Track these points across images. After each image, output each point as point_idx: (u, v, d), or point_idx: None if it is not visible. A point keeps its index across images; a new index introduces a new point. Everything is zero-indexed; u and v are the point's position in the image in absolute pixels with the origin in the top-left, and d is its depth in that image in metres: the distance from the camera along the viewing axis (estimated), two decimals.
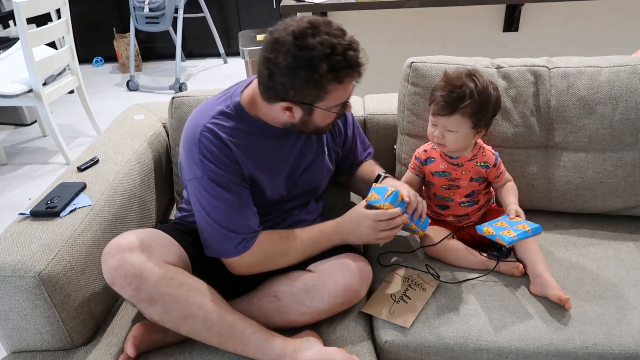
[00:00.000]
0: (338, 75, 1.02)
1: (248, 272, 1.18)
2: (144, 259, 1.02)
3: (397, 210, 1.14)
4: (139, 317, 1.22)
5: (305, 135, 1.25)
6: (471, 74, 1.27)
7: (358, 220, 1.17)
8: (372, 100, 1.74)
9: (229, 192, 1.12)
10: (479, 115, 1.26)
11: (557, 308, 1.19)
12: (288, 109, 1.09)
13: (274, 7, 4.30)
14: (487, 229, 1.28)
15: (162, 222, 1.36)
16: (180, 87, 3.89)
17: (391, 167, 1.61)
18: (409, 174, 1.44)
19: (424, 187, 1.45)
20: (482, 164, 1.36)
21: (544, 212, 1.45)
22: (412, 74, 1.49)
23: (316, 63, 0.98)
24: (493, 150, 1.38)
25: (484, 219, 1.41)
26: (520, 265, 1.28)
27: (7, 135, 3.39)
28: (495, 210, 1.43)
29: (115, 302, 1.29)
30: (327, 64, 0.99)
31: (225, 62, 4.57)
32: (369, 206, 1.18)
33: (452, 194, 1.38)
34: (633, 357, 1.10)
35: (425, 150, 1.41)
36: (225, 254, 1.15)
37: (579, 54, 1.51)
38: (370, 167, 1.43)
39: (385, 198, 1.15)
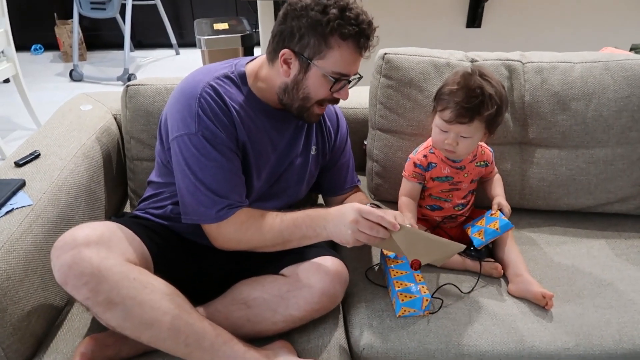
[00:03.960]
0: (343, 30, 1.00)
1: (226, 245, 1.09)
2: (103, 255, 0.90)
3: (391, 220, 0.98)
4: (87, 331, 1.09)
5: (295, 125, 1.20)
6: (482, 74, 1.17)
7: (345, 211, 1.02)
8: None
9: (221, 155, 1.05)
10: (496, 119, 1.18)
11: (537, 309, 1.15)
12: (287, 62, 1.06)
13: None
14: (468, 229, 1.24)
15: (117, 216, 1.23)
16: (129, 78, 3.67)
17: (361, 164, 1.54)
18: (410, 184, 1.30)
19: None
20: (482, 163, 1.31)
21: (516, 210, 1.41)
22: (385, 66, 1.43)
23: (328, 10, 1.00)
24: (488, 147, 1.33)
25: (466, 221, 1.36)
26: (499, 266, 1.24)
27: None
28: (475, 211, 1.38)
29: (59, 314, 1.14)
30: (338, 12, 1.00)
31: (178, 53, 4.36)
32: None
33: (450, 196, 1.31)
34: (613, 357, 1.08)
35: (425, 156, 1.29)
36: (205, 219, 1.06)
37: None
38: (359, 197, 1.35)
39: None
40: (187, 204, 1.07)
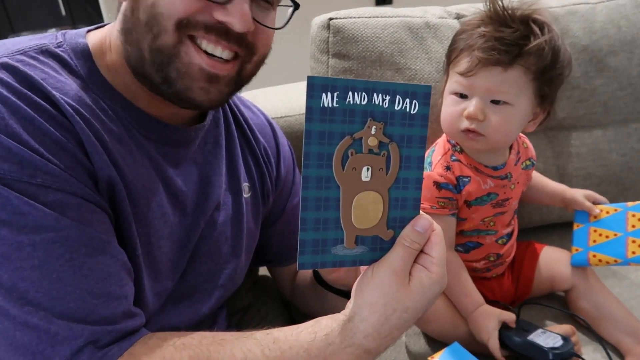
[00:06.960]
0: None
1: None
2: None
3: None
4: None
5: (202, 146, 0.65)
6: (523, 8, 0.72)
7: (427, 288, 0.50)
8: (260, 98, 1.07)
9: (61, 215, 0.48)
10: (550, 74, 0.70)
11: None
12: None
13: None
14: (596, 256, 0.78)
15: None
16: None
17: None
18: (440, 220, 0.70)
19: None
20: (528, 163, 0.83)
21: (559, 225, 0.96)
22: (333, 40, 0.88)
23: None
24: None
25: (513, 262, 0.86)
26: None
27: None
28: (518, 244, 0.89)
29: None
30: None
31: None
32: None
33: (492, 224, 0.80)
34: None
35: (447, 168, 0.76)
36: None
37: None
38: None
39: None
40: None
